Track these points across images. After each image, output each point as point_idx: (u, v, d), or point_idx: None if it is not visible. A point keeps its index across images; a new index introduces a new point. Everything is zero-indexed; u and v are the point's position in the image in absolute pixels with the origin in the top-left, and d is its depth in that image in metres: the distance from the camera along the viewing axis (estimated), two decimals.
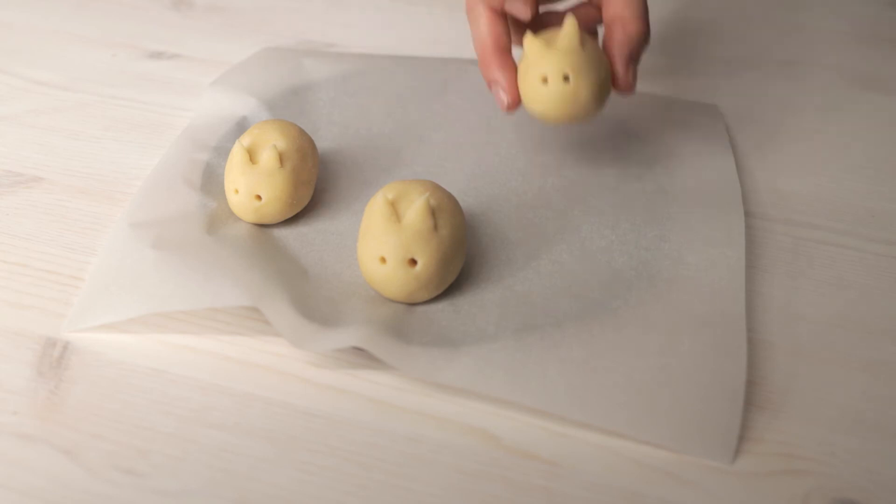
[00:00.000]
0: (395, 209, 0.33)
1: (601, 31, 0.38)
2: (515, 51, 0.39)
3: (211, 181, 0.38)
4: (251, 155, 0.36)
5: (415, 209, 0.32)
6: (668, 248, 0.36)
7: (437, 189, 0.34)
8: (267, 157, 0.35)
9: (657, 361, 0.31)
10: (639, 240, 0.37)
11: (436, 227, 0.33)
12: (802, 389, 0.32)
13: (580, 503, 0.28)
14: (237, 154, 0.36)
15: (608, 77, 0.35)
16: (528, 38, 0.35)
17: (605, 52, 0.36)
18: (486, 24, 0.37)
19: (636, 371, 0.31)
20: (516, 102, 0.36)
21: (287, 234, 0.37)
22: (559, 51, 0.34)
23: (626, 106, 0.44)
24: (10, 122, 0.43)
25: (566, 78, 0.34)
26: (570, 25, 0.35)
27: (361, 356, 0.32)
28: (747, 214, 0.40)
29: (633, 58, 0.36)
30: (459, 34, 0.52)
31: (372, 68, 0.46)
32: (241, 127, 0.42)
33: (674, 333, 0.32)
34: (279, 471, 0.29)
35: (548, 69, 0.34)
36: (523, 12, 0.36)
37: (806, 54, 0.52)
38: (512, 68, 0.36)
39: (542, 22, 0.40)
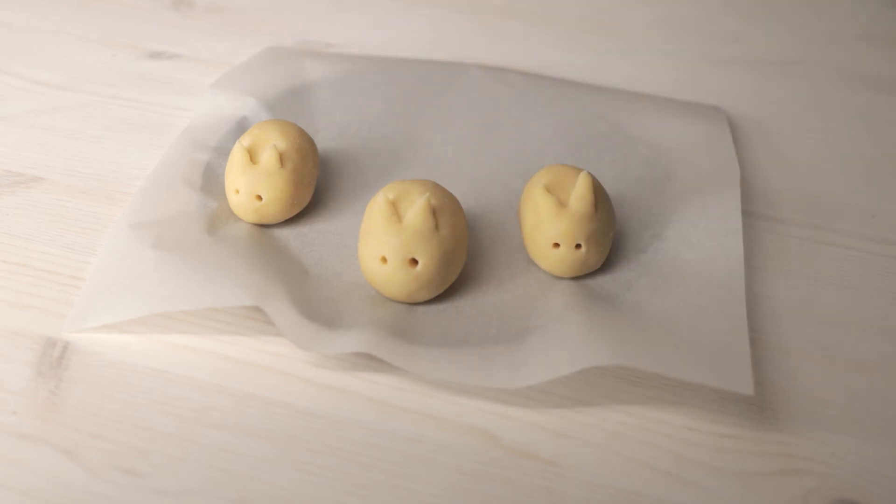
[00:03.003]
0: (395, 209, 0.33)
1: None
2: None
3: (211, 181, 0.38)
4: (251, 155, 0.36)
5: (416, 209, 0.32)
6: (666, 246, 0.36)
7: (437, 189, 0.34)
8: (267, 158, 0.35)
9: (660, 329, 0.31)
10: (638, 241, 0.37)
11: (437, 226, 0.33)
12: (802, 389, 0.32)
13: (580, 503, 0.28)
14: (237, 154, 0.36)
15: (614, 229, 0.35)
16: (541, 192, 0.34)
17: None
18: None
19: (640, 333, 0.31)
20: None
21: (287, 234, 0.37)
22: (573, 216, 0.33)
23: (626, 106, 0.44)
24: (10, 122, 0.43)
25: (578, 246, 0.34)
26: (584, 186, 0.33)
27: (362, 356, 0.32)
28: (748, 215, 0.40)
29: None
30: (460, 35, 0.52)
31: (372, 68, 0.46)
32: (241, 127, 0.42)
33: (674, 316, 0.32)
34: (279, 471, 0.29)
35: (560, 237, 0.33)
36: None
37: (806, 54, 0.52)
38: None
39: None
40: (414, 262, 0.32)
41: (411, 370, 0.30)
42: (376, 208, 0.33)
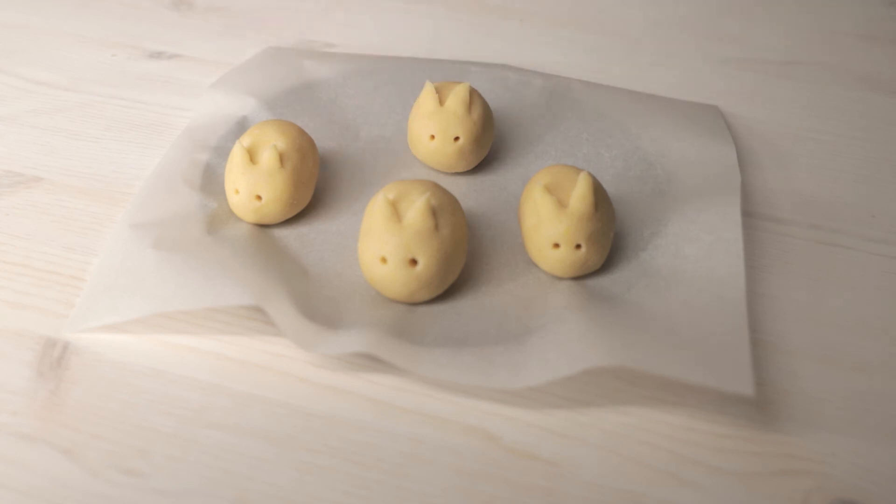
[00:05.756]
0: (395, 209, 0.33)
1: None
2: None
3: (211, 181, 0.38)
4: (251, 155, 0.36)
5: (416, 209, 0.32)
6: (666, 243, 0.36)
7: (437, 189, 0.34)
8: (267, 158, 0.35)
9: (660, 329, 0.31)
10: (638, 240, 0.37)
11: (437, 227, 0.33)
12: (802, 389, 0.32)
13: (580, 503, 0.28)
14: (237, 154, 0.36)
15: (613, 229, 0.35)
16: (541, 192, 0.34)
17: None
18: None
19: (640, 334, 0.31)
20: None
21: (287, 234, 0.37)
22: (573, 216, 0.33)
23: (626, 106, 0.44)
24: (10, 122, 0.43)
25: (578, 246, 0.34)
26: (584, 186, 0.33)
27: (362, 356, 0.32)
28: (748, 215, 0.40)
29: None
30: (460, 34, 0.52)
31: (372, 69, 0.46)
32: (241, 127, 0.42)
33: (674, 317, 0.32)
34: (279, 471, 0.29)
35: (560, 238, 0.33)
36: None
37: (806, 54, 0.52)
38: None
39: None
40: (414, 262, 0.32)
41: (412, 370, 0.30)
42: (376, 208, 0.33)
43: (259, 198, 0.35)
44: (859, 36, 0.54)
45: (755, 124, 0.46)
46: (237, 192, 0.36)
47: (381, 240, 0.32)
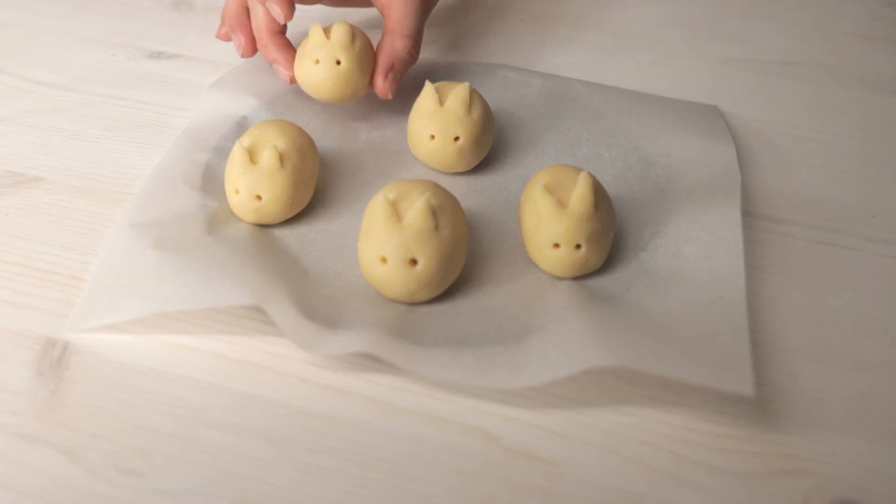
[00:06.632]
0: (395, 209, 0.33)
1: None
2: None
3: (211, 181, 0.38)
4: (251, 155, 0.36)
5: (416, 209, 0.32)
6: (666, 243, 0.36)
7: (437, 189, 0.34)
8: (267, 158, 0.35)
9: (660, 329, 0.31)
10: (638, 240, 0.37)
11: (437, 227, 0.33)
12: (802, 389, 0.32)
13: (580, 503, 0.28)
14: (237, 154, 0.36)
15: (613, 229, 0.35)
16: (541, 192, 0.34)
17: (375, 57, 0.41)
18: (262, 13, 0.42)
19: (640, 334, 0.31)
20: (294, 79, 0.41)
21: (287, 234, 0.37)
22: (573, 216, 0.33)
23: (626, 106, 0.44)
24: (10, 122, 0.43)
25: (578, 246, 0.33)
26: (584, 186, 0.33)
27: (362, 356, 0.32)
28: (748, 215, 0.40)
29: (394, 68, 0.41)
30: (460, 34, 0.52)
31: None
32: (241, 127, 0.42)
33: (674, 317, 0.32)
34: (279, 471, 0.29)
35: (560, 238, 0.33)
36: (280, 17, 0.41)
37: (806, 54, 0.52)
38: (287, 48, 0.42)
39: None
40: (414, 262, 0.32)
41: (412, 370, 0.30)
42: (376, 208, 0.33)
43: (259, 198, 0.35)
44: (859, 36, 0.54)
45: (755, 124, 0.46)
46: (237, 192, 0.36)
47: (381, 240, 0.32)
